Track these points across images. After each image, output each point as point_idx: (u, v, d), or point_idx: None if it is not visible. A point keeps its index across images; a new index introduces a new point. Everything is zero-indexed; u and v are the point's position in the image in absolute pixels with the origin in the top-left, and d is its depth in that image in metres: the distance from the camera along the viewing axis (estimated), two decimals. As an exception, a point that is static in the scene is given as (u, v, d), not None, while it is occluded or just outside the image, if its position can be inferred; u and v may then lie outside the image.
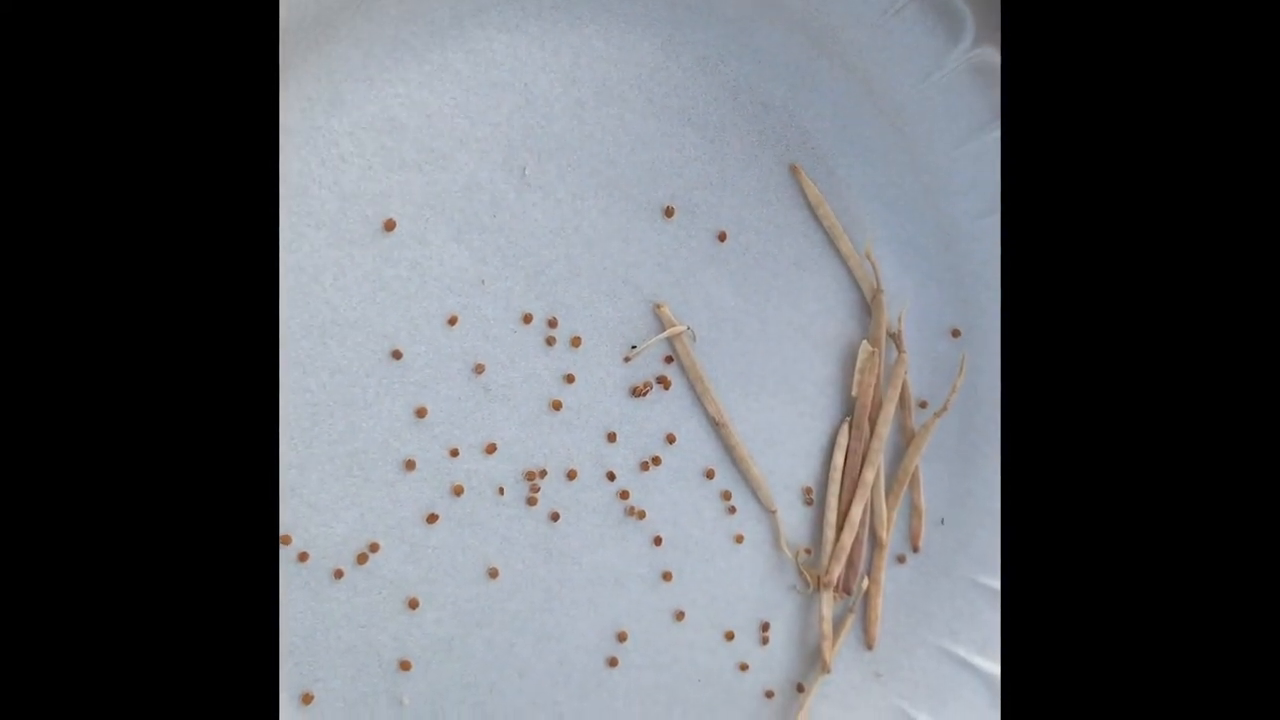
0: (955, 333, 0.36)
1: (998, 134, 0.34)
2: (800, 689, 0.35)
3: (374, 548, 0.31)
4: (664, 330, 0.33)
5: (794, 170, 0.34)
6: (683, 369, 0.33)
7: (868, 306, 0.35)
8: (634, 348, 0.33)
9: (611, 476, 0.33)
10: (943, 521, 0.36)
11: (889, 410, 0.35)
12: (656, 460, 0.33)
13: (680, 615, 0.34)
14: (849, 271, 0.35)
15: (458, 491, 0.31)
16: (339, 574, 0.30)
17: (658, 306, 0.33)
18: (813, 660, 0.35)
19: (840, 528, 0.35)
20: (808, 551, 0.35)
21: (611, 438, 0.33)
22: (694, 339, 0.33)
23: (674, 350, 0.33)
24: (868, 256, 0.35)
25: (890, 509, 0.36)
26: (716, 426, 0.34)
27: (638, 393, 0.33)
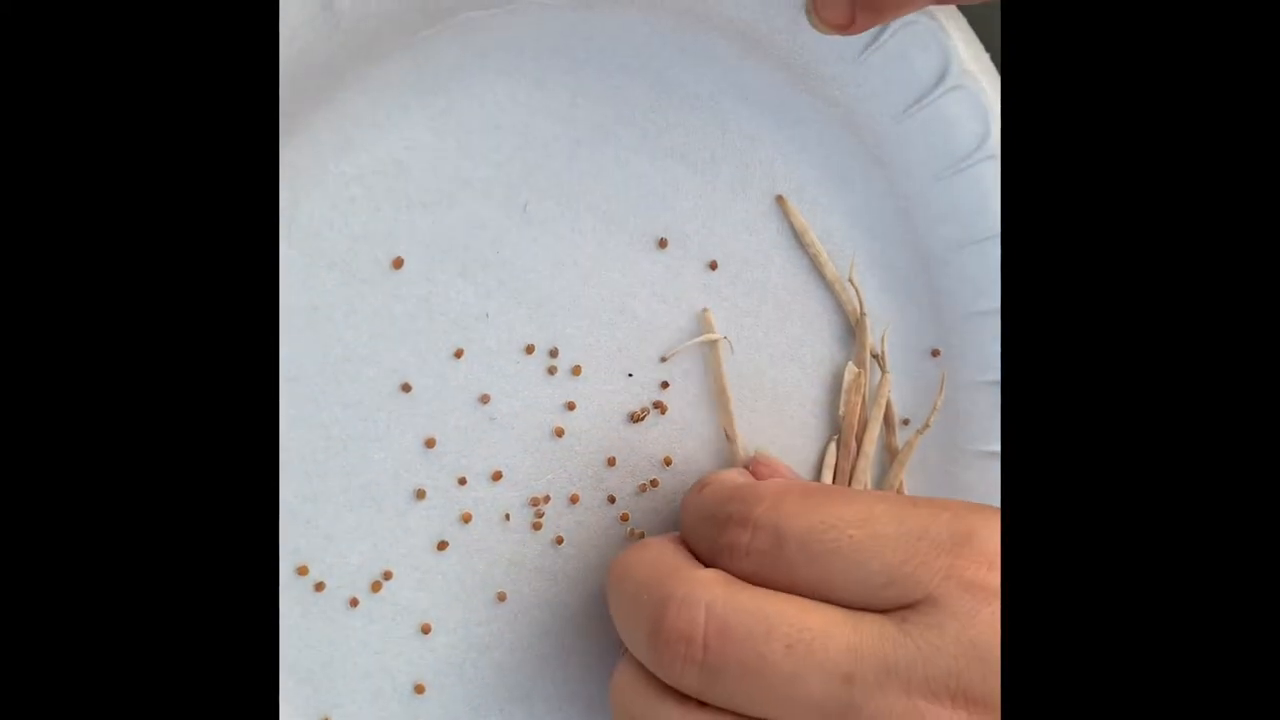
0: (935, 352, 0.37)
1: (972, 166, 0.35)
2: (795, 699, 0.36)
3: (388, 575, 0.32)
4: (701, 336, 0.35)
5: (780, 201, 0.36)
6: (710, 377, 0.35)
7: (852, 330, 0.37)
8: (668, 354, 0.34)
9: (612, 499, 0.34)
10: None
11: (874, 429, 0.37)
12: (654, 483, 0.35)
13: (680, 632, 0.35)
14: (833, 296, 0.37)
15: (466, 519, 0.32)
16: (354, 602, 0.31)
17: (704, 311, 0.35)
18: (807, 671, 0.37)
19: (830, 542, 0.37)
20: (800, 566, 0.37)
21: (611, 462, 0.34)
22: (731, 351, 0.35)
23: (706, 358, 0.35)
24: (850, 282, 0.36)
25: (877, 523, 0.37)
26: (727, 441, 0.35)
27: (635, 418, 0.34)
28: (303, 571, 0.31)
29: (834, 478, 0.37)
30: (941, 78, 0.34)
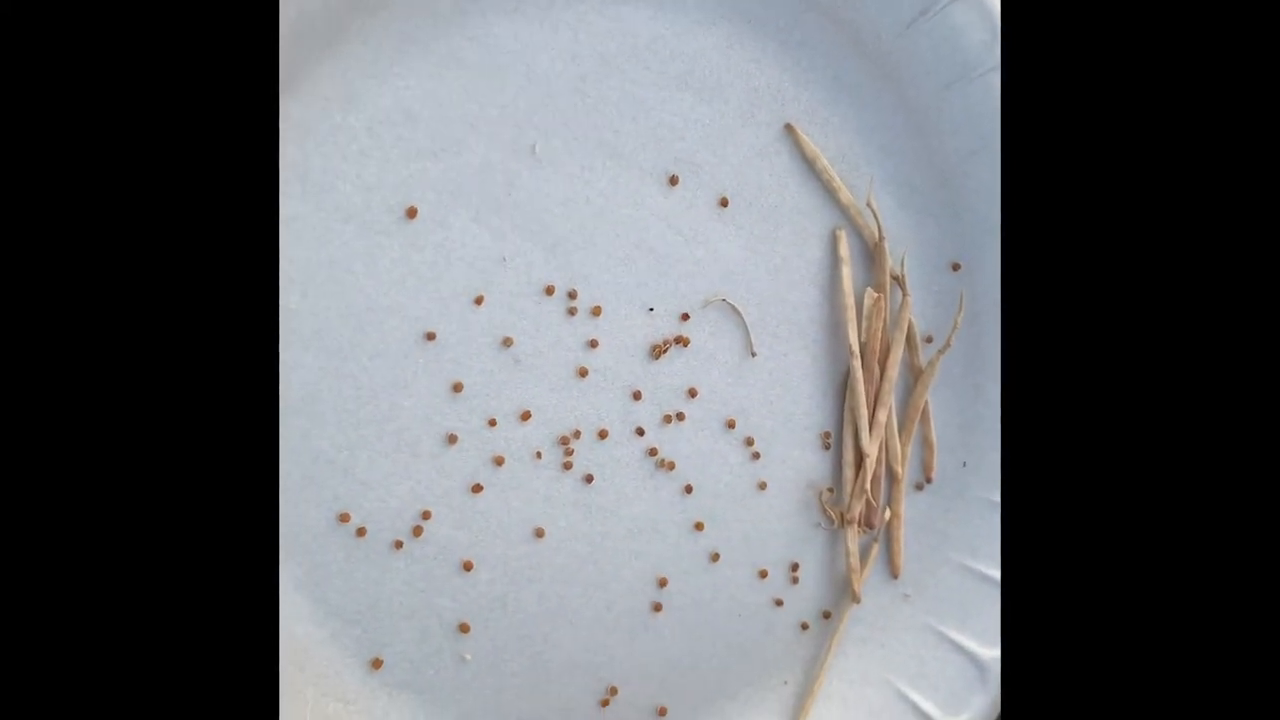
0: (955, 266, 0.37)
1: (982, 74, 0.35)
2: (828, 617, 0.37)
3: (426, 516, 0.32)
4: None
5: (789, 129, 0.35)
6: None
7: (870, 250, 0.37)
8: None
9: (640, 433, 0.35)
10: (965, 465, 0.38)
11: (896, 352, 0.37)
12: (680, 415, 0.35)
13: (715, 557, 0.36)
14: (850, 220, 0.36)
15: (499, 460, 0.33)
16: (398, 545, 0.32)
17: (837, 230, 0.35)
18: (842, 591, 0.37)
19: (858, 466, 0.37)
20: (830, 491, 0.37)
21: (637, 396, 0.35)
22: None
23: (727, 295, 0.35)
24: (869, 205, 0.36)
25: (904, 445, 0.37)
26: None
27: (657, 352, 0.35)
28: (344, 519, 0.32)
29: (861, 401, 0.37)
30: (946, -14, 0.34)
